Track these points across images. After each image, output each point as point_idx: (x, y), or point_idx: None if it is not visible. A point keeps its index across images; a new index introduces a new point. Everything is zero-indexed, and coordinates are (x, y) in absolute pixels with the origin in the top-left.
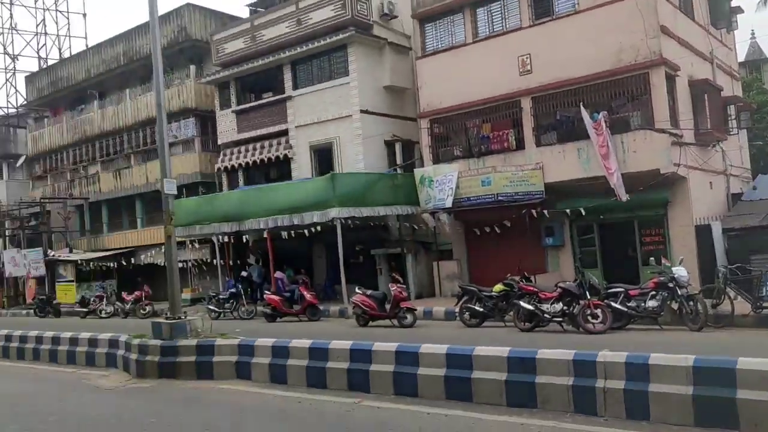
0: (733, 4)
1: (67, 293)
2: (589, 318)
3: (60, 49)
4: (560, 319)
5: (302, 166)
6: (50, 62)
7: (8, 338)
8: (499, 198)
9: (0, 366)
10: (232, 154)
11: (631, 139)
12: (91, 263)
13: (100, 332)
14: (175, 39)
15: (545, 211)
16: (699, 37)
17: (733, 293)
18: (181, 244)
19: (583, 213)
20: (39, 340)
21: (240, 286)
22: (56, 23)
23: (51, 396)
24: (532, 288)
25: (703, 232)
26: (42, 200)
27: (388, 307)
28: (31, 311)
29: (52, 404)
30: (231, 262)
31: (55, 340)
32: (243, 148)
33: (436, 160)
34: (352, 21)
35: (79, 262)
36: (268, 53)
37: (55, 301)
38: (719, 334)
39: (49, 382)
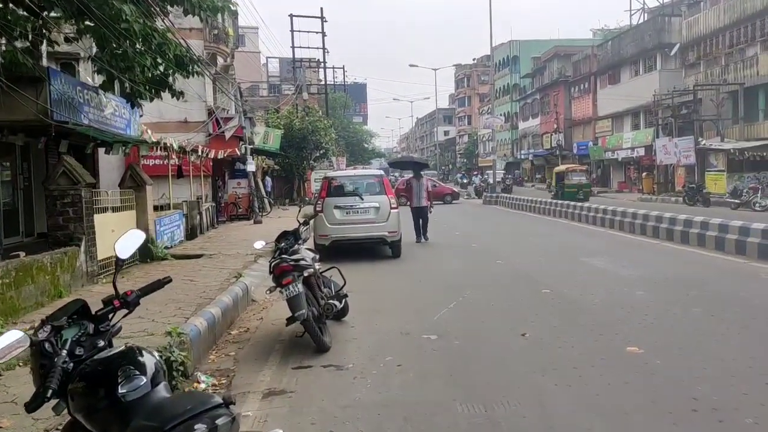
0: None
1: (716, 183)
2: None
3: None
4: None
5: None
6: None
7: (672, 221)
8: None
9: (667, 248)
10: None
11: None
12: (745, 152)
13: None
14: None
15: None
16: None
17: None
18: None
19: None
20: (704, 226)
21: None
22: None
23: (723, 283)
24: None
25: None
26: (695, 87)
27: None
28: (680, 199)
29: (727, 291)
30: None
31: (723, 228)
32: None
33: None
34: None
35: (731, 151)
36: None
37: (704, 190)
38: None
39: (716, 269)
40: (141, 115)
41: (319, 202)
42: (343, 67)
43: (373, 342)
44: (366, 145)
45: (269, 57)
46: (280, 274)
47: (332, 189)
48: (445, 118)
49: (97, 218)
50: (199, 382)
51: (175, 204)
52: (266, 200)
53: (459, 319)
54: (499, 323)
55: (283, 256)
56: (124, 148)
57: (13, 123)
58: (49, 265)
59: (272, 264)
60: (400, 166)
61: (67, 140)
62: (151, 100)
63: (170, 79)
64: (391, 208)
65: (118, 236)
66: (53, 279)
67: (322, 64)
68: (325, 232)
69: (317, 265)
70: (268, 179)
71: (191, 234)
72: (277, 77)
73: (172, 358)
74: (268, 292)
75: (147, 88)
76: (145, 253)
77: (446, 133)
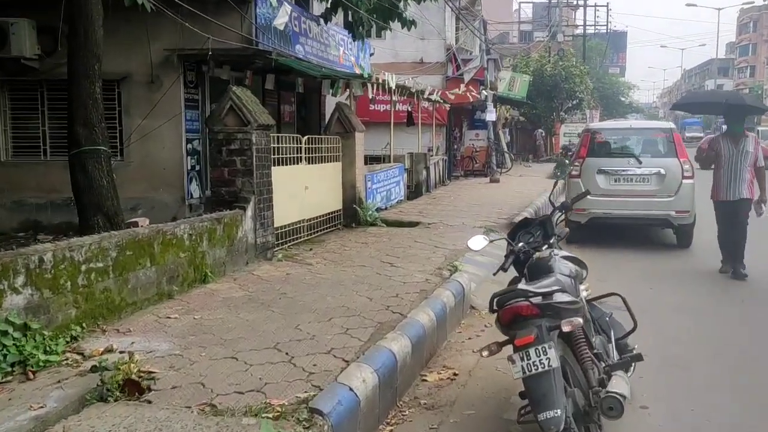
0: None
1: None
2: None
3: None
4: None
5: None
6: None
7: None
8: None
9: None
10: None
11: None
12: None
13: None
14: None
15: None
16: None
17: None
18: None
19: None
20: None
21: None
22: None
23: None
24: None
25: None
26: None
27: None
28: None
29: None
30: None
31: None
32: None
33: None
34: None
35: None
36: None
37: None
38: None
39: None
40: (371, 54)
41: (576, 163)
42: (607, 5)
43: None
44: (622, 99)
45: (521, 2)
46: (510, 321)
47: (595, 146)
48: (720, 70)
49: (283, 171)
50: None
51: (396, 156)
52: (507, 155)
53: None
54: None
55: (521, 285)
56: (333, 85)
57: (215, 52)
58: (187, 238)
59: (497, 297)
60: (692, 106)
61: (274, 75)
62: (378, 33)
63: (401, 4)
64: (684, 177)
65: None
66: (193, 257)
67: (582, 1)
68: (582, 205)
69: (584, 290)
70: (507, 132)
71: (415, 192)
72: (530, 23)
73: None
74: (484, 353)
75: (372, 16)
76: (351, 216)
77: (720, 87)
